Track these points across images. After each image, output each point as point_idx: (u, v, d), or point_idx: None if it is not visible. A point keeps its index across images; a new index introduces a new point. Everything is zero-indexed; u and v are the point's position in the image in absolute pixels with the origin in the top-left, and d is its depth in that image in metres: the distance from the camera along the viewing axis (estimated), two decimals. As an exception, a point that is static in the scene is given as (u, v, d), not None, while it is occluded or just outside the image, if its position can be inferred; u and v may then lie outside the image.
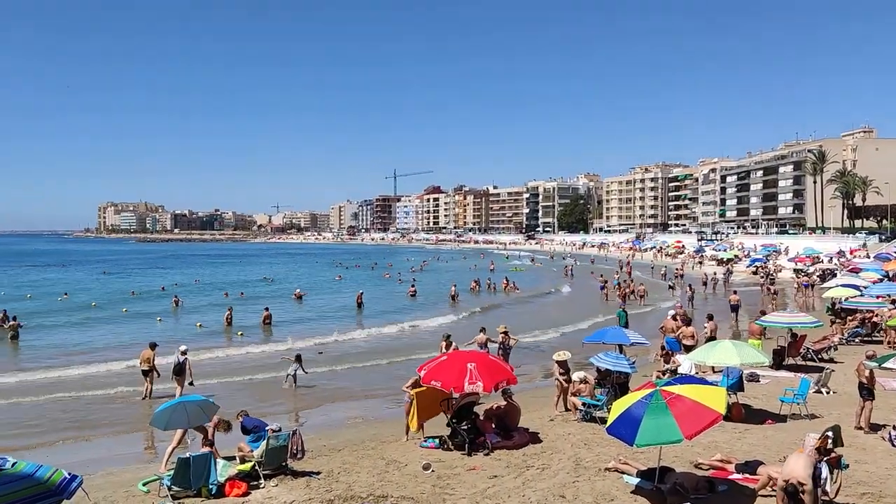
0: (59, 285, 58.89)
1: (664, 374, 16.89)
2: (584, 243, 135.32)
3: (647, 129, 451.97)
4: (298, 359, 20.47)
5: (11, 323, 29.94)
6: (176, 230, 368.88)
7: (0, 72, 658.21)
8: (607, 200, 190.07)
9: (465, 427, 12.66)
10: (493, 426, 13.16)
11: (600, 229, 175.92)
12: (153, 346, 19.47)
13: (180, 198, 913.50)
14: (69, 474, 7.08)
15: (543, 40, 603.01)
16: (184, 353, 18.86)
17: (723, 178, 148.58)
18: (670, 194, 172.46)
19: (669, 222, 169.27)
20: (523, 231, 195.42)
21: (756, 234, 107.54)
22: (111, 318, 37.71)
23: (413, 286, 51.05)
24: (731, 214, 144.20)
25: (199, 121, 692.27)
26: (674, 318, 23.54)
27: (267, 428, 11.86)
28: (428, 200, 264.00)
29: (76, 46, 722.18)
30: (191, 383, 18.71)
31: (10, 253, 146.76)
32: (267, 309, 34.93)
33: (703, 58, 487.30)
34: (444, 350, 19.40)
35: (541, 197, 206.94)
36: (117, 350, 27.48)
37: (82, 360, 25.33)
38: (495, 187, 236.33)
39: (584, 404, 14.81)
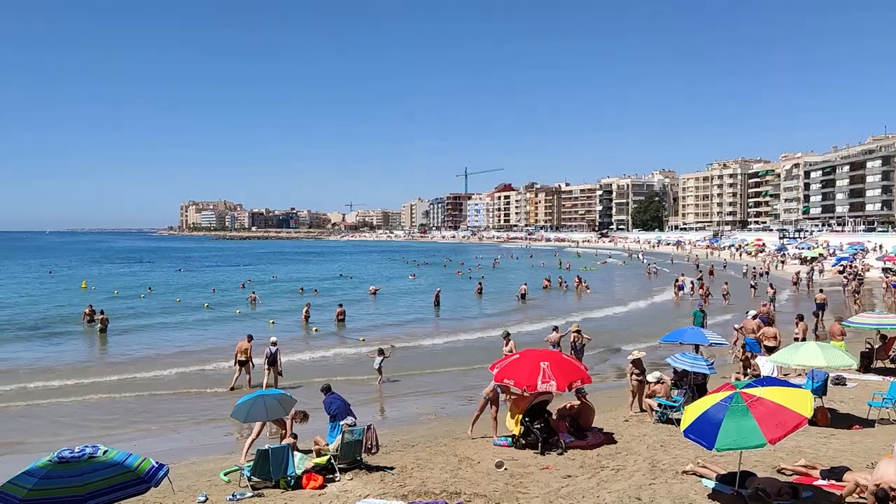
0: (143, 281, 61.27)
1: (744, 376, 16.39)
2: (660, 241, 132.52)
3: (724, 124, 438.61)
4: (381, 352, 20.87)
5: (100, 317, 31.38)
6: (253, 228, 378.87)
7: (91, 90, 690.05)
8: (683, 197, 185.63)
9: (539, 426, 12.59)
10: (567, 426, 13.04)
11: (676, 227, 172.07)
12: (250, 338, 20.42)
13: (258, 196, 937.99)
14: (156, 463, 7.36)
15: (614, 33, 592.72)
16: (274, 344, 19.77)
17: (806, 174, 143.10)
18: (750, 191, 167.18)
19: (749, 220, 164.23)
20: (596, 229, 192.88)
21: (842, 231, 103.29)
22: (193, 314, 39.04)
23: (480, 284, 51.07)
24: (815, 211, 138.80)
25: (275, 121, 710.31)
26: (754, 317, 22.80)
27: (342, 423, 12.07)
28: (499, 198, 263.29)
29: (152, 48, 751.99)
30: (280, 373, 19.58)
31: (98, 250, 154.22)
32: (341, 305, 35.50)
33: (784, 48, 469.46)
34: (505, 347, 19.33)
35: (614, 194, 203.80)
36: (200, 344, 28.55)
37: (167, 352, 26.40)
38: (567, 184, 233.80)
39: (659, 405, 14.51)
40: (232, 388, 19.49)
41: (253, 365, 20.09)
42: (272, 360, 19.53)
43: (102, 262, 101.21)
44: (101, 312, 31.86)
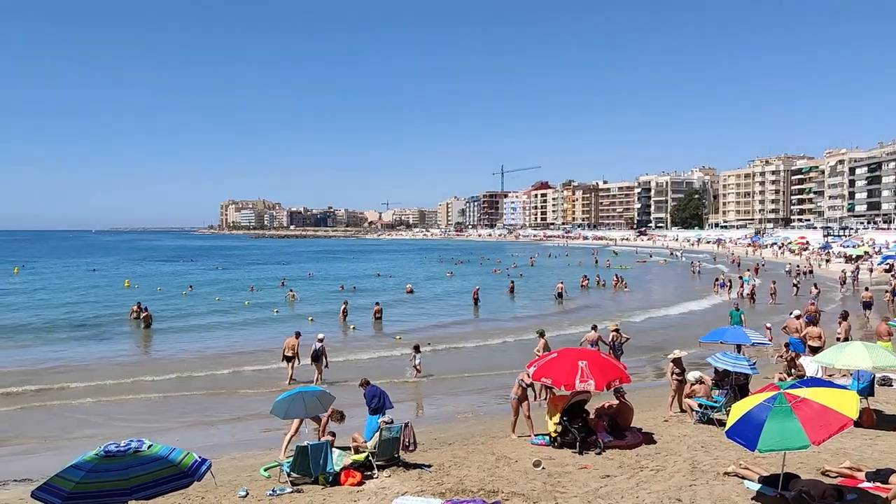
0: (184, 280, 62.38)
1: (787, 377, 16.08)
2: (700, 239, 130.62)
3: (766, 120, 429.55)
4: (417, 349, 20.95)
5: (144, 314, 32.03)
6: (291, 227, 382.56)
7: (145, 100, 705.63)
8: (724, 195, 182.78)
9: (577, 425, 12.51)
10: (605, 425, 12.94)
11: (716, 225, 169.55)
12: (298, 334, 21.12)
13: (296, 195, 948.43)
14: (199, 457, 7.47)
15: (652, 29, 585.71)
16: (321, 340, 20.41)
17: (851, 171, 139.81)
18: (793, 188, 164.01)
19: (792, 217, 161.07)
20: (634, 227, 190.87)
21: (888, 229, 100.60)
22: (233, 312, 39.65)
23: (512, 283, 50.95)
24: (860, 209, 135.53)
25: (312, 120, 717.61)
26: (797, 317, 22.36)
27: (379, 420, 12.15)
28: (535, 196, 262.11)
29: (198, 51, 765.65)
30: (325, 366, 20.14)
31: (141, 248, 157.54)
32: (377, 304, 35.70)
33: (826, 44, 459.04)
34: (539, 345, 19.22)
35: (653, 192, 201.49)
36: (240, 341, 29.03)
37: (208, 350, 26.91)
38: (605, 182, 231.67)
39: (700, 405, 14.31)
40: (289, 382, 20.09)
41: (299, 361, 20.66)
42: (317, 356, 20.07)
43: (146, 260, 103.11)
44: (145, 310, 32.51)
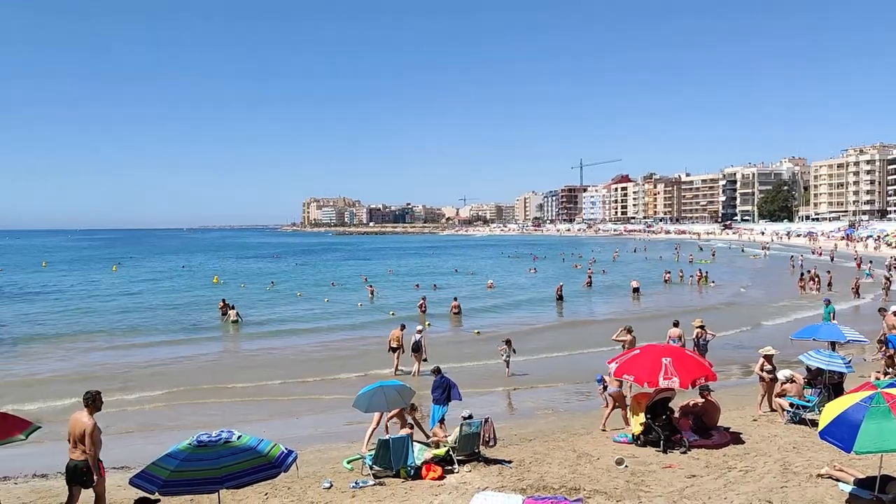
0: (268, 276, 64.16)
1: (885, 375, 15.30)
2: (789, 233, 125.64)
3: (859, 107, 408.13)
4: (509, 343, 20.98)
5: (233, 311, 33.19)
6: (371, 223, 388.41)
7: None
8: (815, 186, 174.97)
9: (660, 423, 12.26)
10: (690, 424, 12.63)
11: (807, 217, 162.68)
12: (403, 326, 22.22)
13: (375, 192, 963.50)
14: (286, 449, 7.70)
15: (737, 12, 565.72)
16: (420, 332, 21.26)
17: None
18: (889, 178, 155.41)
19: (888, 209, 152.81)
20: (719, 220, 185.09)
21: None
22: (315, 305, 40.73)
23: (589, 277, 50.20)
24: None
25: (390, 119, 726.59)
26: (895, 313, 21.22)
27: (461, 416, 12.21)
28: (615, 190, 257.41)
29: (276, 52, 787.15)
30: (425, 359, 20.69)
31: (226, 246, 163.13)
32: (455, 299, 35.86)
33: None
34: (625, 339, 18.87)
35: (738, 184, 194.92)
36: (322, 334, 29.76)
37: (293, 342, 27.67)
38: (688, 174, 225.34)
39: (791, 405, 13.78)
40: (395, 372, 20.86)
41: (403, 351, 21.47)
42: (417, 347, 20.83)
43: (236, 257, 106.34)
44: (233, 307, 33.63)
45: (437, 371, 14.42)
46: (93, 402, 8.71)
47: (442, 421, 13.21)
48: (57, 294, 49.41)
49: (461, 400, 13.66)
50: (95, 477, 8.66)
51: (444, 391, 13.64)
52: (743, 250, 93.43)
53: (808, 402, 13.81)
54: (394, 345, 21.51)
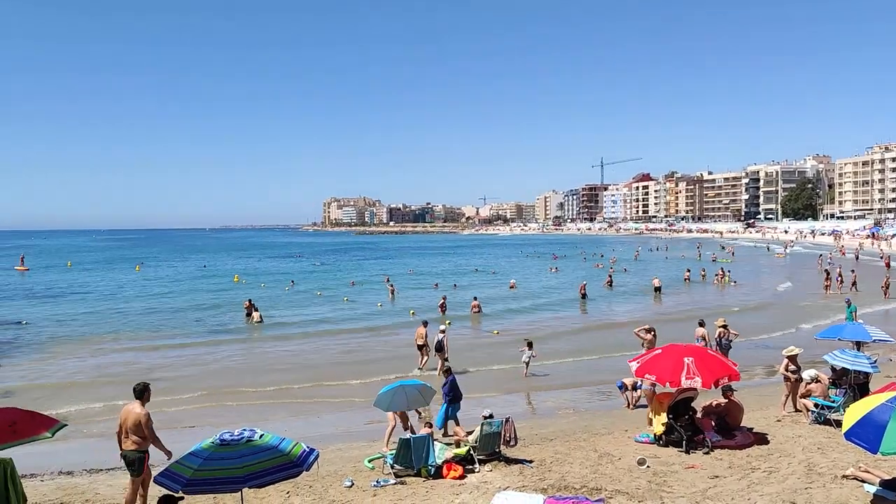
0: (287, 275, 64.47)
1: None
2: (814, 231, 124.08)
3: (885, 104, 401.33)
4: (530, 345, 20.91)
5: (256, 313, 33.42)
6: (391, 223, 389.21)
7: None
8: (840, 184, 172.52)
9: (683, 424, 12.17)
10: (713, 424, 12.52)
11: (831, 215, 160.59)
12: (425, 323, 22.28)
13: (395, 192, 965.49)
14: (308, 447, 7.74)
15: (758, 11, 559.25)
16: (443, 331, 21.21)
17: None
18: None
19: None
20: (741, 219, 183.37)
21: None
22: (336, 305, 40.88)
23: (609, 277, 49.95)
24: None
25: (408, 117, 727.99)
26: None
27: (481, 415, 12.21)
28: (637, 188, 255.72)
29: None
30: (446, 359, 20.31)
31: (248, 245, 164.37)
32: (476, 299, 35.83)
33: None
34: (645, 338, 18.75)
35: (762, 182, 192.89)
36: (341, 334, 29.90)
37: (314, 343, 27.81)
38: (710, 173, 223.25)
39: (816, 405, 13.62)
40: (420, 369, 21.17)
41: (429, 348, 21.56)
42: (439, 347, 20.83)
43: (257, 257, 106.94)
44: (256, 309, 33.86)
45: (448, 371, 14.66)
46: (143, 393, 9.49)
47: (456, 420, 13.24)
48: (82, 294, 50.01)
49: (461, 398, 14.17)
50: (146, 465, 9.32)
51: (454, 390, 14.00)
52: (769, 248, 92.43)
53: (833, 402, 13.65)
54: (419, 342, 21.70)
